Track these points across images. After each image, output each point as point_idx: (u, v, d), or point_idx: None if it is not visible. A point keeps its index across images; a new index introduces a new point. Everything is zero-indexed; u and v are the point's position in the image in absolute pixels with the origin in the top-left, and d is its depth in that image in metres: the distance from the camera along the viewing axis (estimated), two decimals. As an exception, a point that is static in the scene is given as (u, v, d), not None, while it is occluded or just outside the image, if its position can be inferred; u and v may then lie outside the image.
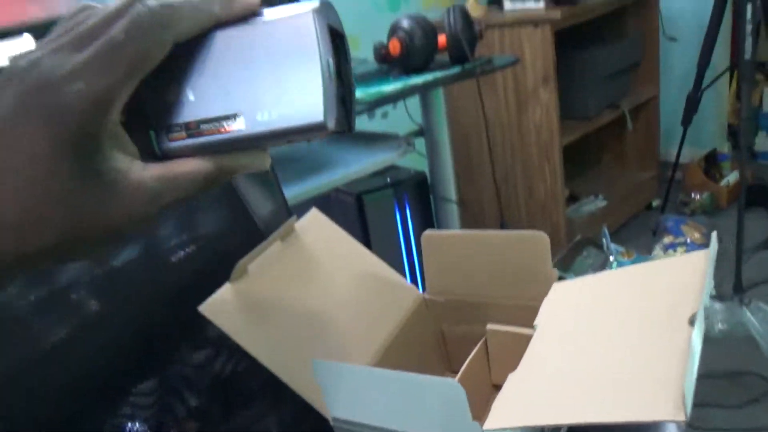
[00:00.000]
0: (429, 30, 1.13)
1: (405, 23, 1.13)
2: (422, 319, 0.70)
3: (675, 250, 1.93)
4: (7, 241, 0.27)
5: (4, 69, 0.28)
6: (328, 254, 0.67)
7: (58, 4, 1.14)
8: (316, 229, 0.68)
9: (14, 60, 0.28)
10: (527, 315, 0.59)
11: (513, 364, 0.50)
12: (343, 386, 0.50)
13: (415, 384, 0.46)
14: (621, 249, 1.85)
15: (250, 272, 0.59)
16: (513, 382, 0.48)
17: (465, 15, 1.15)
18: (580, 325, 0.51)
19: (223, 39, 0.30)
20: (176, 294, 0.60)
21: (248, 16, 0.30)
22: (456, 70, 1.14)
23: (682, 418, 0.36)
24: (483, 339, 0.66)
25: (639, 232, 2.25)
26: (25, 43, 1.23)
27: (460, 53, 1.14)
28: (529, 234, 0.62)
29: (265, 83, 0.29)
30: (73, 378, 0.50)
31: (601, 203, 2.25)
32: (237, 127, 0.30)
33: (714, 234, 0.51)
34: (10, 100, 0.26)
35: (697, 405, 1.23)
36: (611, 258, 1.67)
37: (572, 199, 2.31)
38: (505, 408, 0.45)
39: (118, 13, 0.28)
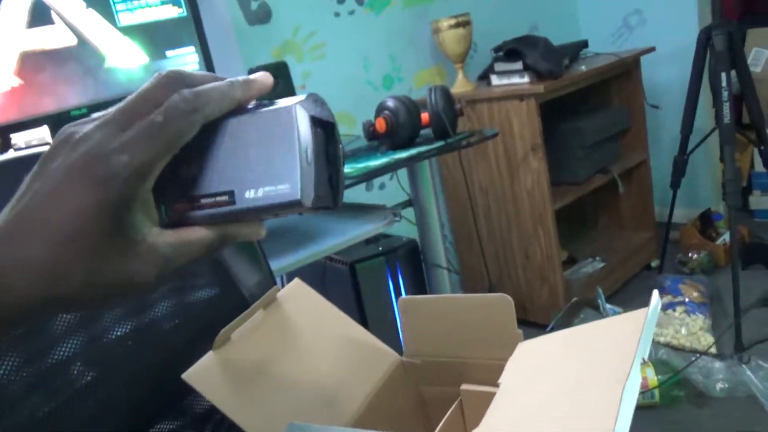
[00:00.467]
0: (412, 108, 1.21)
1: (390, 103, 1.21)
2: (400, 380, 0.73)
3: (674, 310, 1.94)
4: (40, 284, 0.31)
5: (59, 135, 0.33)
6: (309, 321, 0.71)
7: (70, 96, 1.23)
8: (298, 297, 0.72)
9: (67, 128, 0.33)
10: (498, 374, 0.62)
11: (482, 422, 0.53)
12: (315, 447, 0.53)
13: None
14: (619, 309, 1.86)
15: (233, 340, 0.63)
16: (473, 439, 0.51)
17: (446, 94, 1.23)
18: (535, 382, 0.55)
19: (222, 125, 0.35)
20: (164, 363, 0.64)
21: (258, 102, 0.36)
22: (439, 144, 1.21)
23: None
24: (458, 399, 0.69)
25: (639, 293, 2.26)
26: (43, 133, 1.31)
27: (442, 129, 1.22)
28: (495, 297, 0.66)
29: (253, 165, 0.34)
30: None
31: (599, 265, 2.28)
32: (230, 202, 0.35)
33: (655, 292, 0.55)
34: (63, 164, 0.31)
35: (700, 466, 1.20)
36: (608, 320, 1.68)
37: (571, 261, 2.34)
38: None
39: (156, 93, 0.33)
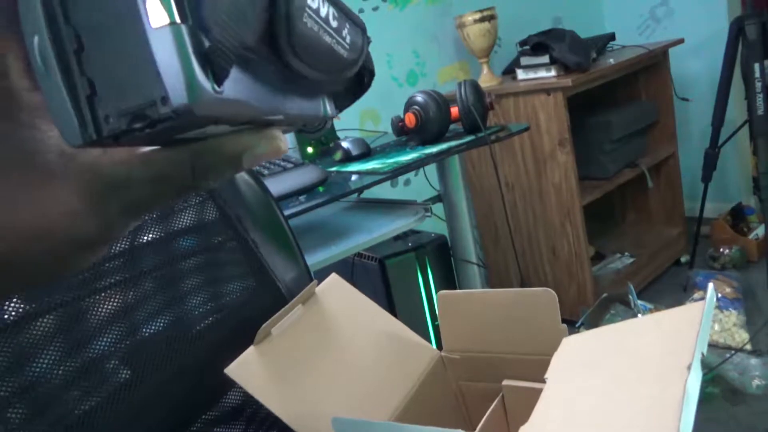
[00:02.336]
0: (442, 103, 1.20)
1: (419, 98, 1.20)
2: (440, 376, 0.73)
3: (706, 307, 1.90)
4: None
5: None
6: (347, 316, 0.70)
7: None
8: (336, 292, 0.72)
9: None
10: (541, 369, 0.61)
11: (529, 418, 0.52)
12: (361, 441, 0.52)
13: (428, 436, 0.48)
14: (650, 306, 1.83)
15: (273, 335, 0.63)
16: (524, 435, 0.50)
17: (476, 88, 1.22)
18: (587, 377, 0.53)
19: None
20: (202, 359, 0.64)
21: None
22: (469, 138, 1.19)
23: (678, 461, 0.37)
24: (500, 395, 0.68)
25: (669, 289, 2.22)
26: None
27: (472, 123, 1.20)
28: (538, 291, 0.65)
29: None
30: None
31: (627, 260, 2.24)
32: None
33: (711, 286, 0.54)
34: None
35: (738, 465, 1.17)
36: (639, 315, 1.65)
37: (599, 257, 2.31)
38: (516, 459, 0.47)
39: None
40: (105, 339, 0.59)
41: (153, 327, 0.63)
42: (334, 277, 0.74)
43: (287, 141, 0.30)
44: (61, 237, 0.21)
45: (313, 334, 0.66)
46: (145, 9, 0.16)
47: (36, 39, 0.18)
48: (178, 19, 0.16)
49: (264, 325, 0.61)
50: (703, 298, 1.61)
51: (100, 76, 0.18)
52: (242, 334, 0.61)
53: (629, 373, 0.49)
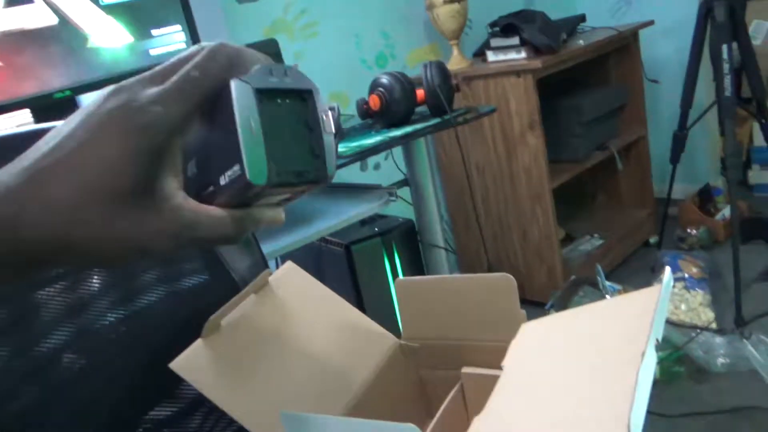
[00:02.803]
0: (407, 85, 1.17)
1: (384, 79, 1.18)
2: (399, 365, 0.71)
3: (674, 286, 1.92)
4: (57, 224, 0.30)
5: (103, 90, 0.32)
6: (303, 305, 0.68)
7: (52, 78, 1.19)
8: (291, 281, 0.69)
9: (105, 88, 0.32)
10: (499, 356, 0.60)
11: (486, 406, 0.51)
12: (311, 436, 0.50)
13: (378, 431, 0.46)
14: (618, 287, 1.85)
15: (223, 327, 0.60)
16: (477, 426, 0.49)
17: (442, 69, 1.20)
18: (543, 364, 0.52)
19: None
20: (153, 353, 0.61)
21: None
22: (435, 121, 1.17)
23: (628, 452, 0.36)
24: (459, 382, 0.67)
25: (637, 270, 2.24)
26: (25, 116, 1.27)
27: (438, 105, 1.18)
28: (497, 276, 0.64)
29: (221, 149, 0.33)
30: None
31: (597, 242, 2.26)
32: (214, 192, 0.34)
33: (667, 269, 0.53)
34: (99, 111, 0.31)
35: (703, 442, 1.17)
36: (608, 297, 1.66)
37: (569, 239, 2.32)
38: (468, 451, 0.46)
39: (192, 54, 0.33)
40: (55, 332, 0.57)
41: (103, 320, 0.61)
42: (289, 265, 0.72)
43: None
44: (144, 245, 0.32)
45: (265, 325, 0.64)
46: None
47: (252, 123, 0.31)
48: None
49: (212, 317, 0.59)
50: (670, 279, 1.60)
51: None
52: (194, 326, 0.59)
53: (585, 360, 0.48)
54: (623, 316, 0.51)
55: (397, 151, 1.44)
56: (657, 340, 0.46)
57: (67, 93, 1.19)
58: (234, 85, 0.31)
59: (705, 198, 2.46)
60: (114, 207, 0.30)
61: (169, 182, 0.32)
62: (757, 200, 2.58)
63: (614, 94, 2.22)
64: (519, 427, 0.45)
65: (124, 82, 0.32)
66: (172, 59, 0.34)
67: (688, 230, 2.32)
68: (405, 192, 1.38)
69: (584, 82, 2.30)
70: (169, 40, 1.29)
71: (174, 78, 0.32)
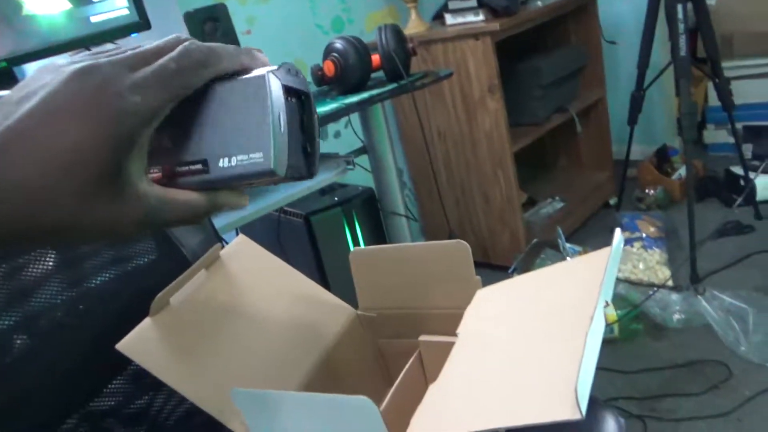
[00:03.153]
0: (362, 50, 1.14)
1: (338, 44, 1.14)
2: (357, 335, 0.70)
3: (632, 245, 1.96)
4: (28, 210, 0.29)
5: (52, 64, 0.31)
6: (256, 279, 0.67)
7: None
8: (243, 254, 0.68)
9: (62, 63, 0.31)
10: (456, 323, 0.60)
11: (443, 374, 0.51)
12: (264, 413, 0.49)
13: (330, 404, 0.46)
14: (578, 249, 1.88)
15: (173, 304, 0.59)
16: (432, 394, 0.48)
17: (397, 32, 1.17)
18: (495, 331, 0.52)
19: (201, 93, 0.34)
20: (100, 334, 0.59)
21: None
22: (391, 86, 1.15)
23: (577, 416, 0.36)
24: (417, 351, 0.66)
25: (598, 231, 2.29)
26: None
27: (394, 71, 1.16)
28: (451, 243, 0.63)
29: (227, 134, 0.34)
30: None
31: (558, 205, 2.28)
32: (203, 171, 0.34)
33: (617, 231, 0.53)
34: (70, 88, 0.30)
35: (660, 395, 1.25)
36: (569, 258, 1.69)
37: (531, 203, 2.34)
38: (423, 420, 0.46)
39: (167, 47, 0.33)
40: (3, 310, 0.54)
41: (47, 301, 0.58)
42: (241, 239, 0.70)
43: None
44: (111, 229, 0.32)
45: (217, 301, 0.62)
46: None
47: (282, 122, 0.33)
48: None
49: (160, 295, 0.57)
50: (630, 239, 1.64)
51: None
52: (143, 305, 0.57)
53: (535, 326, 0.48)
54: (574, 279, 0.51)
55: (356, 118, 1.41)
56: (606, 302, 0.46)
57: (3, 64, 1.12)
58: (269, 78, 0.33)
59: (662, 158, 2.51)
60: (82, 192, 0.30)
61: (136, 168, 0.32)
62: (711, 159, 2.64)
63: (573, 55, 2.22)
64: (471, 393, 0.44)
65: (94, 62, 0.31)
66: (143, 48, 0.33)
67: (646, 190, 2.36)
68: (364, 160, 1.36)
69: (543, 45, 2.30)
70: (111, 6, 1.22)
71: (152, 68, 0.32)
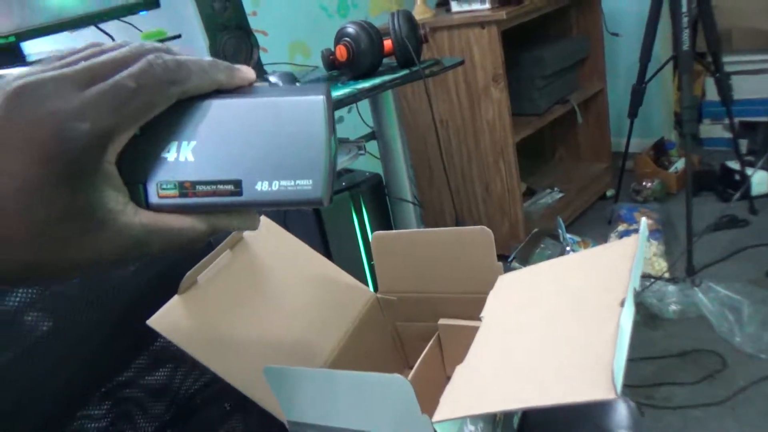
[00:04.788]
0: (374, 35, 1.14)
1: (350, 29, 1.14)
2: (376, 318, 0.72)
3: (629, 237, 1.99)
4: None
5: (6, 79, 0.27)
6: (279, 260, 0.67)
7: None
8: (266, 236, 0.68)
9: (10, 78, 0.27)
10: (476, 308, 0.61)
11: (465, 356, 0.52)
12: (295, 390, 0.50)
13: (364, 382, 0.47)
14: (577, 239, 1.90)
15: (199, 283, 0.59)
16: (460, 374, 0.50)
17: (410, 19, 1.17)
18: (522, 314, 0.53)
19: (222, 106, 0.31)
20: (125, 311, 0.60)
21: (244, 88, 0.33)
22: (403, 73, 1.15)
23: (612, 396, 0.37)
24: (436, 334, 0.68)
25: (595, 222, 2.31)
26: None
27: (406, 57, 1.16)
28: (474, 229, 0.64)
29: (269, 155, 0.31)
30: (17, 402, 0.49)
31: (557, 196, 2.30)
32: (234, 192, 0.31)
33: (643, 219, 0.54)
34: (7, 123, 0.26)
35: (655, 384, 1.27)
36: (568, 248, 1.71)
37: (530, 193, 2.36)
38: (453, 399, 0.47)
39: (127, 59, 0.28)
40: (21, 290, 0.54)
41: (72, 280, 0.59)
42: (264, 220, 0.71)
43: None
44: (89, 265, 0.29)
45: (242, 281, 0.63)
46: None
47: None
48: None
49: (188, 273, 0.58)
50: (627, 231, 1.67)
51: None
52: (167, 283, 0.58)
53: (564, 310, 0.49)
54: (601, 266, 0.52)
55: (361, 104, 1.41)
56: (635, 288, 0.47)
57: (11, 39, 1.11)
58: (324, 103, 0.31)
59: (659, 151, 2.53)
60: (43, 235, 0.26)
61: (109, 200, 0.28)
62: (707, 153, 2.66)
63: (576, 47, 2.23)
64: (501, 374, 0.46)
65: (36, 78, 0.26)
66: (98, 59, 0.28)
67: (643, 183, 2.39)
68: (371, 146, 1.36)
69: (545, 35, 2.30)
70: (121, -15, 1.21)
71: (106, 85, 0.27)
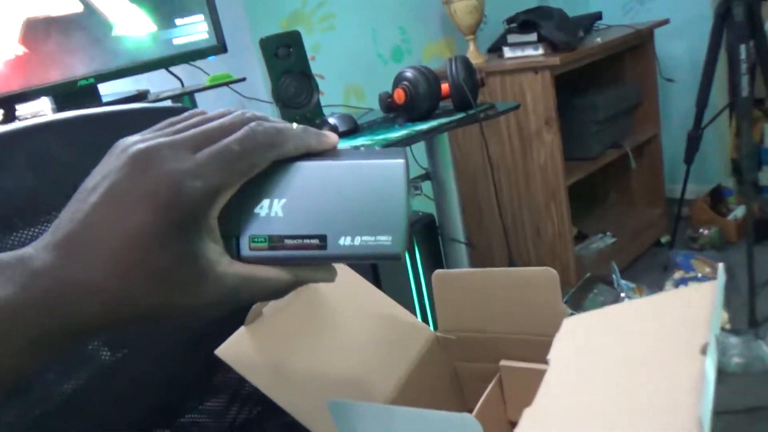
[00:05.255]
0: (432, 79, 1.17)
1: (409, 73, 1.17)
2: (435, 357, 0.71)
3: (686, 285, 1.92)
4: (105, 311, 0.29)
5: (118, 149, 0.31)
6: (341, 296, 0.68)
7: (76, 66, 1.19)
8: (329, 271, 0.69)
9: (129, 142, 0.31)
10: (539, 350, 0.60)
11: (528, 400, 0.51)
12: (360, 426, 0.50)
13: (432, 420, 0.46)
14: (632, 285, 1.85)
15: (265, 315, 0.60)
16: (529, 417, 0.48)
17: (467, 64, 1.19)
18: (593, 359, 0.52)
19: (311, 168, 0.34)
20: (190, 341, 0.61)
21: (330, 152, 0.35)
22: (460, 116, 1.17)
23: (698, 446, 0.36)
24: (497, 375, 0.66)
25: (649, 269, 2.24)
26: (43, 105, 1.26)
27: (463, 100, 1.18)
28: (539, 270, 0.64)
29: (352, 213, 0.33)
30: (85, 429, 0.50)
31: (609, 240, 2.26)
32: (320, 246, 0.33)
33: (721, 265, 0.52)
34: (129, 182, 0.29)
35: (719, 442, 1.17)
36: (622, 294, 1.66)
37: (581, 237, 2.32)
38: (522, 443, 0.46)
39: (233, 125, 0.32)
40: None
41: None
42: (326, 256, 0.72)
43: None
44: (190, 312, 0.31)
45: (305, 315, 0.64)
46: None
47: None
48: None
49: (255, 305, 0.59)
50: (683, 278, 1.62)
51: None
52: (232, 313, 0.59)
53: (639, 355, 0.47)
54: (675, 313, 0.51)
55: (415, 146, 1.43)
56: (716, 336, 0.45)
57: (90, 80, 1.19)
58: (404, 167, 0.33)
59: (716, 198, 2.46)
60: (158, 286, 0.29)
61: (210, 251, 0.31)
62: (766, 201, 2.57)
63: (629, 92, 2.22)
64: (576, 420, 0.44)
65: (154, 143, 0.30)
66: (207, 127, 0.32)
67: (700, 230, 2.32)
68: (425, 186, 1.38)
69: (597, 81, 2.30)
70: (192, 30, 1.28)
71: (214, 149, 0.31)
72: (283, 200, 0.33)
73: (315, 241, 0.33)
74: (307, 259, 0.33)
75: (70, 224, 0.29)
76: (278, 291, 0.34)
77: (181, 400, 0.61)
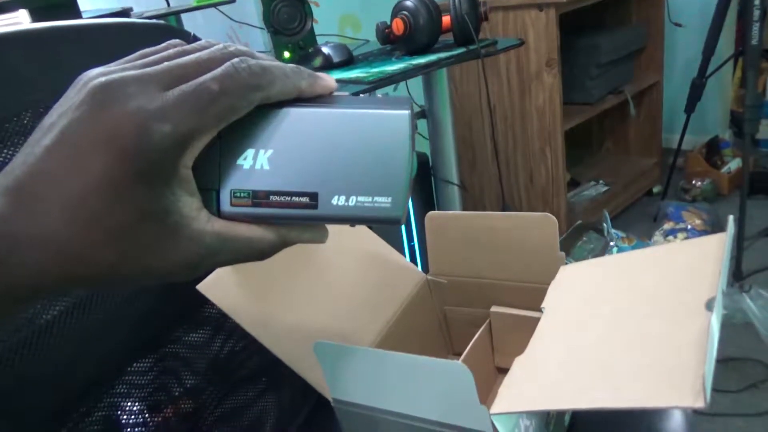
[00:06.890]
0: (434, 10, 1.10)
1: (409, 3, 1.11)
2: (425, 300, 0.69)
3: (675, 236, 1.92)
4: (60, 264, 0.26)
5: (81, 82, 0.26)
6: (331, 234, 0.65)
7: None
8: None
9: (92, 75, 0.26)
10: (531, 298, 0.58)
11: (517, 347, 0.49)
12: (345, 368, 0.49)
13: (420, 366, 0.44)
14: (621, 234, 1.84)
15: (251, 251, 0.58)
16: (520, 366, 0.47)
17: (470, -6, 1.13)
18: (591, 309, 0.50)
19: (302, 115, 0.30)
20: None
21: (325, 98, 0.31)
22: (460, 51, 1.11)
23: (701, 404, 0.34)
24: (487, 321, 0.65)
25: (639, 218, 2.24)
26: (21, 17, 1.18)
27: (465, 34, 1.12)
28: (538, 216, 0.61)
29: (348, 169, 0.30)
30: (67, 357, 0.49)
31: (602, 189, 2.24)
32: (309, 205, 0.30)
33: (731, 218, 0.50)
34: (89, 122, 0.25)
35: (696, 391, 1.18)
36: (611, 243, 1.66)
37: (573, 184, 2.30)
38: (513, 392, 0.44)
39: (211, 61, 0.28)
40: None
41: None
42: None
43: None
44: (161, 273, 0.28)
45: (293, 253, 0.61)
46: None
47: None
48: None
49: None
50: (673, 229, 1.60)
51: None
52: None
53: (639, 307, 0.46)
54: (679, 265, 0.49)
55: (411, 82, 1.38)
56: (723, 291, 0.44)
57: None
58: (409, 119, 0.29)
59: (712, 150, 2.44)
60: (121, 242, 0.26)
61: (183, 206, 0.27)
62: (762, 155, 2.55)
63: (633, 36, 2.14)
64: (568, 370, 0.43)
65: (118, 77, 0.26)
66: (182, 60, 0.28)
67: (693, 181, 2.30)
68: (420, 124, 1.33)
69: (602, 22, 2.22)
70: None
71: (186, 87, 0.26)
72: (270, 151, 0.30)
73: (305, 200, 0.30)
74: (295, 218, 0.30)
75: (22, 167, 0.25)
76: (261, 252, 0.31)
77: (163, 332, 0.59)
